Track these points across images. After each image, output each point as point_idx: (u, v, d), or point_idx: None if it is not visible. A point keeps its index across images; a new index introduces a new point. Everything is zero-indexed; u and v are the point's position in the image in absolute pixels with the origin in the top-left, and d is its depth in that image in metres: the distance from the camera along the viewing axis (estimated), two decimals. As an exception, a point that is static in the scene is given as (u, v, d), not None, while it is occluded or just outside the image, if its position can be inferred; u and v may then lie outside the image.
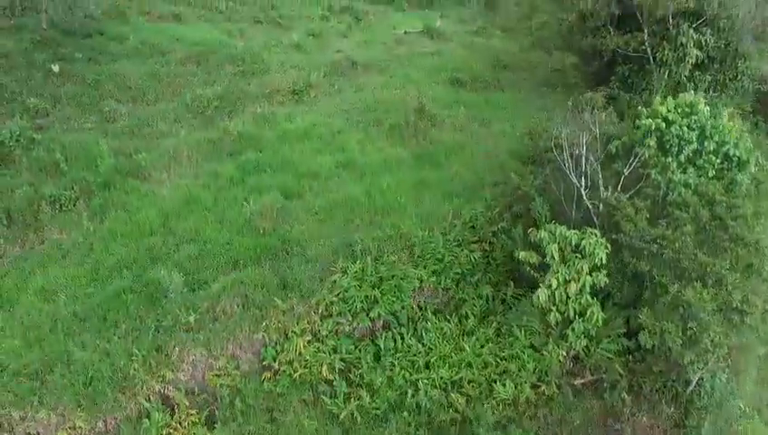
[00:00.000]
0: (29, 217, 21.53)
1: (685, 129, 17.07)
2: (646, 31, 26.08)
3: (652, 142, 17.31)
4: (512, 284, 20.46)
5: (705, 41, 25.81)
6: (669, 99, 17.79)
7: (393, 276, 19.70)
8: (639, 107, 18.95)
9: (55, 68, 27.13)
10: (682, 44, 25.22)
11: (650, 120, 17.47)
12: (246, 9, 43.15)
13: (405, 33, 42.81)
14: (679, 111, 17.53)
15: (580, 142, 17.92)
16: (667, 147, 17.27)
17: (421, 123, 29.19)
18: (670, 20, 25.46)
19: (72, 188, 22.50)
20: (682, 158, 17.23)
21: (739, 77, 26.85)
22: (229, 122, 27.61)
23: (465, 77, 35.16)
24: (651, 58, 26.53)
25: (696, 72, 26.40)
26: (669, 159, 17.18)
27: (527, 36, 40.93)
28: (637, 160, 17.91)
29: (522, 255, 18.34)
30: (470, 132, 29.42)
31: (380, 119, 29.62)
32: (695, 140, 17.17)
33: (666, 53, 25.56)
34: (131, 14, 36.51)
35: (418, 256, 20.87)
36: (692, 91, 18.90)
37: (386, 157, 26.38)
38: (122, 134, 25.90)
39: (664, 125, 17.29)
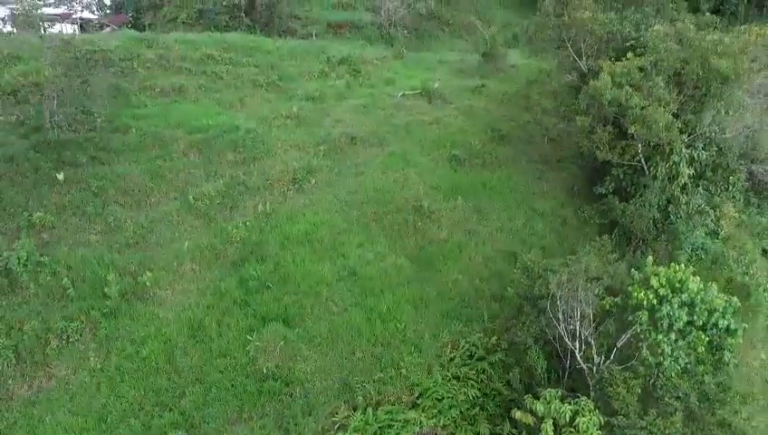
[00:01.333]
0: (38, 354, 22.08)
1: (675, 307, 17.68)
2: (640, 146, 26.58)
3: (644, 318, 17.92)
4: (508, 422, 21.19)
5: (698, 155, 26.40)
6: (662, 271, 18.37)
7: (393, 426, 20.41)
8: (633, 269, 19.49)
9: (60, 177, 27.43)
10: (675, 163, 25.77)
11: (641, 294, 18.07)
12: (246, 72, 43.22)
13: (402, 95, 43.10)
14: (670, 284, 18.13)
15: (575, 315, 18.61)
16: (658, 323, 17.88)
17: (420, 223, 29.88)
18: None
19: (80, 318, 23.02)
20: (672, 335, 17.86)
21: (730, 189, 27.41)
22: (231, 225, 28.09)
23: (464, 154, 35.53)
24: (645, 169, 27.08)
25: (689, 182, 26.91)
26: (660, 335, 17.80)
27: (525, 109, 41.40)
28: (629, 332, 18.57)
29: (517, 415, 19.13)
30: (468, 230, 30.08)
31: (380, 214, 30.17)
32: (684, 317, 17.78)
33: (659, 169, 26.12)
34: (133, 90, 36.78)
35: (418, 397, 21.66)
36: (682, 265, 19.29)
37: (386, 267, 26.97)
38: (127, 247, 26.30)
39: (655, 302, 17.89)
